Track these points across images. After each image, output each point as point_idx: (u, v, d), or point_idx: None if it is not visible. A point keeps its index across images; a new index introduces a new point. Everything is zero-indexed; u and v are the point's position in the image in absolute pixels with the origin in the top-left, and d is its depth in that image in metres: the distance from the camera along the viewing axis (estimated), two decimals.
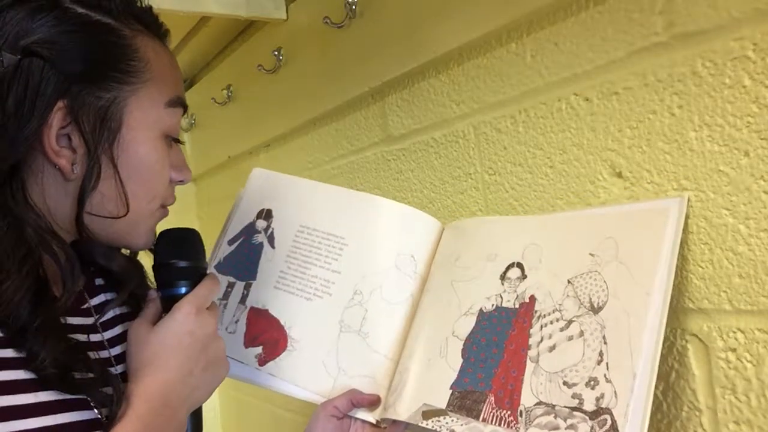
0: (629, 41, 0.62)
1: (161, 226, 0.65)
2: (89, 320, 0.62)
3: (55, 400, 0.52)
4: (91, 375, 0.54)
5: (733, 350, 0.56)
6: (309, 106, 1.14)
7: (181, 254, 0.63)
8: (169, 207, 0.64)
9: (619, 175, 0.65)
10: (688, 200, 0.59)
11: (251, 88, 1.32)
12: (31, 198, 0.54)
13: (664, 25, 0.59)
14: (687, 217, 0.59)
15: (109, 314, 0.65)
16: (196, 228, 0.66)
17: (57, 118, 0.53)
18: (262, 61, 1.21)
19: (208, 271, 0.65)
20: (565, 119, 0.70)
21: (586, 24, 0.66)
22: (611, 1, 0.63)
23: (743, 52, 0.54)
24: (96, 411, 0.54)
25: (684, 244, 0.59)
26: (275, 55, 1.17)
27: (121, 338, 0.64)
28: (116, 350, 0.63)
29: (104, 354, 0.61)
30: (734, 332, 0.56)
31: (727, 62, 0.55)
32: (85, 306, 0.63)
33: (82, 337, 0.59)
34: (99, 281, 0.67)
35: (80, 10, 0.55)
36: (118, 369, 0.61)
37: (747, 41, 0.53)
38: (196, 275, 0.63)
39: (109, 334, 0.64)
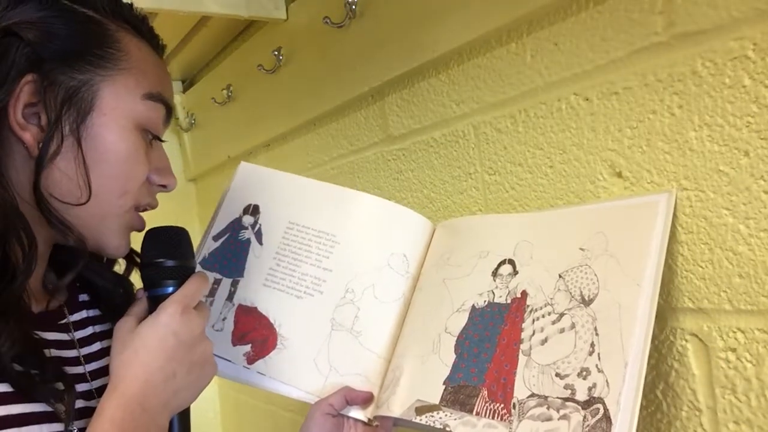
0: (629, 41, 0.62)
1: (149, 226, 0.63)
2: (66, 336, 0.61)
3: (23, 413, 0.51)
4: (55, 384, 0.53)
5: (733, 350, 0.56)
6: (309, 106, 1.13)
7: (168, 253, 0.61)
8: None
9: (619, 175, 0.65)
10: (687, 198, 0.59)
11: (251, 88, 1.31)
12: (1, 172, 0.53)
13: (664, 25, 0.59)
14: (687, 216, 0.59)
15: (89, 330, 0.64)
16: (197, 228, 0.65)
17: (25, 91, 0.53)
18: (262, 61, 1.21)
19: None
20: (565, 119, 0.70)
21: (586, 24, 0.66)
22: (611, 1, 0.63)
23: (743, 52, 0.54)
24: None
25: (684, 244, 0.59)
26: (275, 55, 1.17)
27: (100, 355, 0.63)
28: (92, 366, 0.62)
29: (79, 370, 0.60)
30: (734, 332, 0.56)
31: (727, 62, 0.55)
32: (63, 321, 0.62)
33: (55, 353, 0.58)
34: (83, 297, 0.66)
35: (67, 3, 0.56)
36: (94, 384, 0.60)
37: (747, 41, 0.53)
38: (184, 275, 0.60)
39: (86, 350, 0.62)
